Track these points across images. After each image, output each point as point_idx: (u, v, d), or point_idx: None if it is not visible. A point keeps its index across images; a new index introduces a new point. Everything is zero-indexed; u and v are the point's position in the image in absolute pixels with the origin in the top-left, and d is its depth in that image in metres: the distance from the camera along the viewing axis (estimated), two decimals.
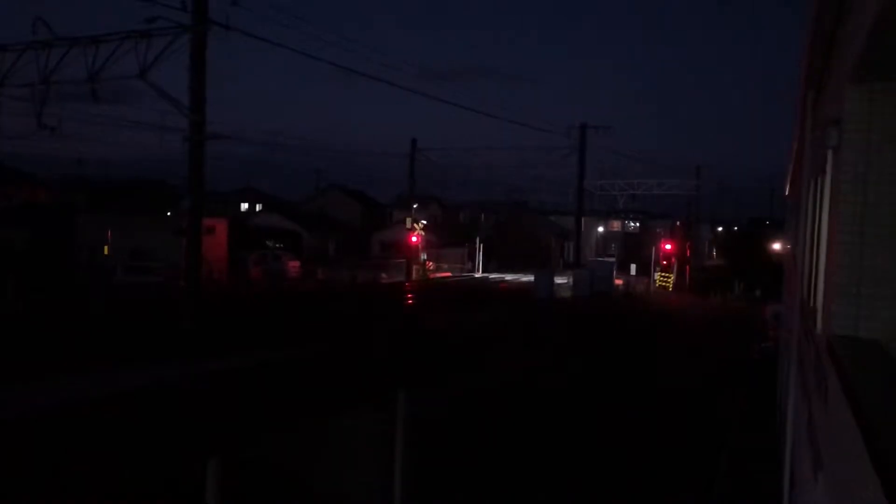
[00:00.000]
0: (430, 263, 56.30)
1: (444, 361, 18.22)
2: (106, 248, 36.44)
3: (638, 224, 76.90)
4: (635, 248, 65.52)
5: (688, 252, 54.09)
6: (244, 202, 70.43)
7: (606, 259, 49.90)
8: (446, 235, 63.91)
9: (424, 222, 53.72)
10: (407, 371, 16.27)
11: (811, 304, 4.93)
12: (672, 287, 50.01)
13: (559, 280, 40.94)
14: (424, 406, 13.43)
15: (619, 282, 44.16)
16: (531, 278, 39.12)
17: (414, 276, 49.78)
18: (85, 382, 14.78)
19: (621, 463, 10.35)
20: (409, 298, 35.51)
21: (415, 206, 51.18)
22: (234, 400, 14.22)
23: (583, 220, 49.61)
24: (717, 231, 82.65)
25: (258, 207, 68.90)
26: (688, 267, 52.60)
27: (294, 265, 45.43)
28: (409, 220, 51.03)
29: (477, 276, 57.50)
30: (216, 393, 14.95)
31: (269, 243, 50.91)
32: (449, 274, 57.09)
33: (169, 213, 45.20)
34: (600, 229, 73.99)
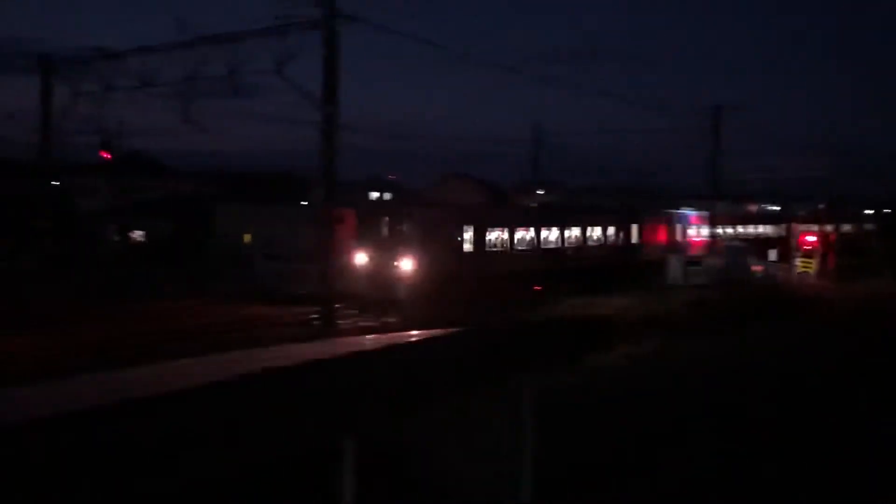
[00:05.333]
0: None
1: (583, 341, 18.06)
2: (246, 236, 38.14)
3: (779, 208, 72.95)
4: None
5: (831, 237, 50.80)
6: (373, 191, 71.99)
7: (740, 244, 47.54)
8: None
9: None
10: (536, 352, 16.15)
11: None
12: (815, 273, 47.10)
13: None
14: (557, 386, 13.28)
15: (757, 268, 41.99)
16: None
17: None
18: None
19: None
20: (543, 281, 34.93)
21: (540, 191, 50.68)
22: (363, 380, 14.66)
23: (717, 204, 47.51)
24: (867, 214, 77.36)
25: (386, 196, 70.28)
26: (831, 253, 49.38)
27: None
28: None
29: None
30: (347, 372, 15.46)
31: None
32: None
33: (303, 203, 46.83)
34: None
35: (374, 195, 69.42)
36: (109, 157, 29.98)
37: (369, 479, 7.62)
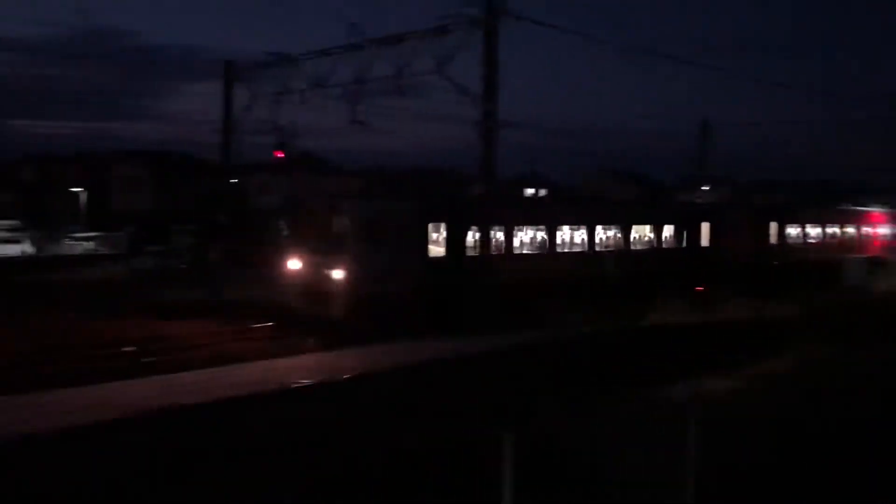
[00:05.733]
0: None
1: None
2: None
3: None
4: None
5: None
6: (528, 188, 72.32)
7: None
8: None
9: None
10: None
11: None
12: None
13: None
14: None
15: None
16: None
17: None
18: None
19: None
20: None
21: (705, 188, 48.69)
22: (529, 373, 14.81)
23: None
24: None
25: (541, 193, 70.43)
26: None
27: None
28: None
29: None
30: (509, 365, 15.69)
31: None
32: None
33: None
34: None
35: (529, 191, 69.65)
36: (283, 156, 31.91)
37: (528, 473, 7.72)
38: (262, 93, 29.45)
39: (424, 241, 21.23)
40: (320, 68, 27.07)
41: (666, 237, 29.00)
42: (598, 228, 26.45)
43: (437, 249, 21.78)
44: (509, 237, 23.54)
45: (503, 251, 23.27)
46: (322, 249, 20.40)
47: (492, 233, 22.94)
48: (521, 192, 68.57)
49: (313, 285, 20.26)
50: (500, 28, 22.20)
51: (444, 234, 21.85)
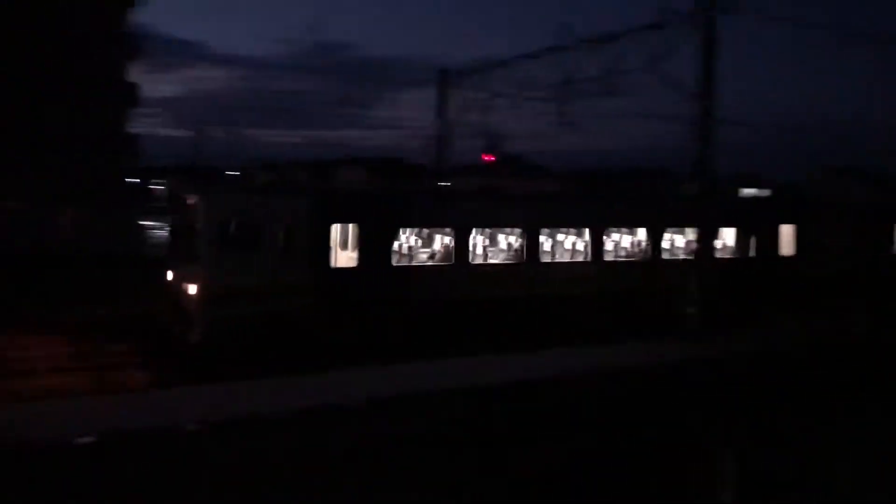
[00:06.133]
0: None
1: None
2: None
3: None
4: None
5: None
6: (743, 187, 68.70)
7: None
8: None
9: None
10: None
11: None
12: None
13: None
14: None
15: None
16: None
17: None
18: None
19: None
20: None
21: None
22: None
23: None
24: None
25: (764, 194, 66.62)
26: None
27: None
28: None
29: None
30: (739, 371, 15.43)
31: None
32: None
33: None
34: None
35: (749, 191, 66.02)
36: (493, 159, 32.78)
37: (747, 476, 7.52)
38: (473, 97, 30.42)
39: (325, 246, 16.53)
40: (529, 71, 27.46)
41: (722, 244, 22.99)
42: (610, 232, 20.77)
43: (351, 257, 17.45)
44: (462, 242, 18.35)
45: (453, 260, 18.32)
46: (183, 256, 16.19)
47: (438, 237, 18.94)
48: (735, 191, 65.18)
49: (177, 301, 16.05)
50: (720, 22, 21.42)
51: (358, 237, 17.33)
